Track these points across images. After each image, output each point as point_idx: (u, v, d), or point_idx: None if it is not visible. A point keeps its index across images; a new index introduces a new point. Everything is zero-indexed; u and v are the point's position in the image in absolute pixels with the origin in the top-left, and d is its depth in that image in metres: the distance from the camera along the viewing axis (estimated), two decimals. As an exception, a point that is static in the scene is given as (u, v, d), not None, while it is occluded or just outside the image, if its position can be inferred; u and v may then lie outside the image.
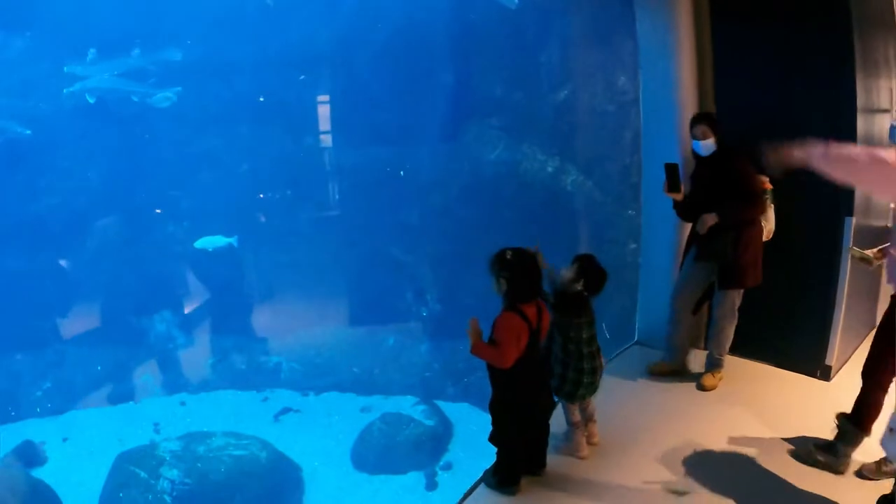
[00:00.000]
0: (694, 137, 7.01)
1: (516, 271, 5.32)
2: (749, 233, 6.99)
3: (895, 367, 5.32)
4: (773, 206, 7.12)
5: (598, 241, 13.36)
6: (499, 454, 5.79)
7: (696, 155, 7.15)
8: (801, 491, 5.60)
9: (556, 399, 6.07)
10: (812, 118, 6.82)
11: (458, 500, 5.90)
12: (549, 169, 14.55)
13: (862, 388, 5.61)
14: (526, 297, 5.40)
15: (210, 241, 14.72)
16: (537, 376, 5.65)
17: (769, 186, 7.02)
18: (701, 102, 7.90)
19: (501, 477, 5.81)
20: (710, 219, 6.94)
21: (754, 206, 6.95)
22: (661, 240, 8.27)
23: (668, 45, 7.70)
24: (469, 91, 15.32)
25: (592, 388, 6.11)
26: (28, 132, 14.35)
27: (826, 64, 7.03)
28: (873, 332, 5.59)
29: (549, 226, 14.14)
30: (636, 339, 8.72)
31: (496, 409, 5.63)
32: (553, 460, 6.08)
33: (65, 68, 14.62)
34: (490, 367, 5.49)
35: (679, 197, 7.21)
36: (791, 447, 6.17)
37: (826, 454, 5.81)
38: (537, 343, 5.53)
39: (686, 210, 7.33)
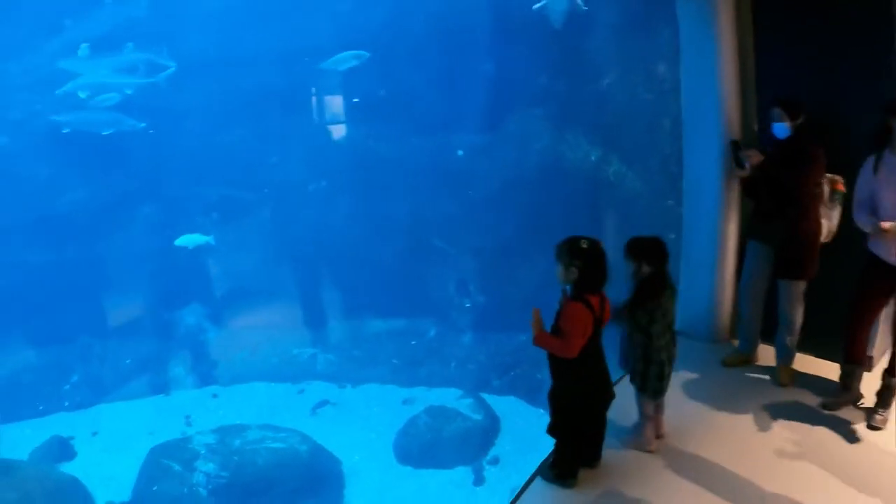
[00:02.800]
0: (771, 119, 6.80)
1: (591, 261, 5.10)
2: (802, 224, 6.75)
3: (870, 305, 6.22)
4: (839, 207, 6.81)
5: (637, 233, 12.76)
6: (557, 446, 5.55)
7: (774, 137, 6.90)
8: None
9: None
10: (856, 103, 6.61)
11: (515, 494, 5.63)
12: (592, 158, 14.24)
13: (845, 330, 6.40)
14: (595, 288, 5.17)
15: (190, 239, 14.45)
16: (598, 367, 5.37)
17: (842, 188, 6.74)
18: (743, 89, 7.66)
19: (560, 470, 5.55)
20: (754, 155, 6.84)
21: (800, 180, 6.64)
22: (702, 230, 7.98)
23: (709, 32, 7.41)
24: (512, 80, 15.03)
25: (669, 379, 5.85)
26: (143, 125, 14.29)
27: (870, 49, 6.73)
28: None
29: (592, 216, 13.85)
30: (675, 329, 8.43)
31: (556, 400, 5.39)
32: (614, 453, 5.83)
33: (59, 63, 14.41)
34: (552, 358, 5.26)
35: (742, 174, 7.05)
36: (835, 418, 6.34)
37: (839, 395, 6.46)
38: (600, 332, 5.29)
39: (748, 186, 7.19)
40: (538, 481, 5.61)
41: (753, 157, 6.78)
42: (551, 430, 5.43)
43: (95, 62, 14.45)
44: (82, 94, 14.16)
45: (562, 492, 5.45)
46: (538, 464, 5.76)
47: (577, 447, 5.49)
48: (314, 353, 14.87)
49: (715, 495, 5.31)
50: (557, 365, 5.23)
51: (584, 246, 5.05)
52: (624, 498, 5.34)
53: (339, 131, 16.39)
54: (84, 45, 14.43)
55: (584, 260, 5.04)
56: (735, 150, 6.99)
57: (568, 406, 5.32)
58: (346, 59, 14.44)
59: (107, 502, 11.27)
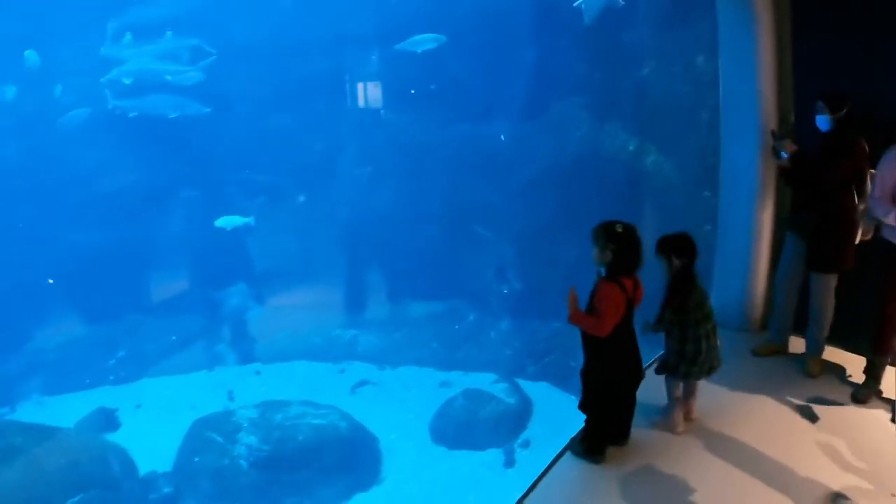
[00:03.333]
0: (814, 112, 6.71)
1: (625, 245, 5.24)
2: (835, 217, 6.68)
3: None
4: None
5: (673, 223, 12.77)
6: (587, 422, 5.69)
7: (818, 129, 6.81)
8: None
9: (646, 373, 5.85)
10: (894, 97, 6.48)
11: (544, 467, 5.75)
12: (630, 148, 14.29)
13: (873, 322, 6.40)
14: (629, 271, 5.33)
15: (229, 221, 14.68)
16: (629, 347, 5.51)
17: None
18: (781, 82, 7.58)
19: (588, 445, 5.69)
20: (789, 145, 6.79)
21: (835, 173, 6.55)
22: (737, 221, 7.96)
23: (748, 24, 7.36)
24: (553, 69, 15.06)
25: (708, 368, 5.89)
26: (207, 110, 14.68)
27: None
28: None
29: (629, 205, 13.77)
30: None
31: (588, 377, 5.54)
32: (643, 433, 5.92)
33: (102, 51, 14.86)
34: (585, 337, 5.42)
35: (780, 164, 7.01)
36: (861, 409, 6.36)
37: (869, 387, 6.45)
38: (632, 314, 5.43)
39: (788, 175, 7.08)
40: (567, 455, 5.73)
41: (788, 147, 6.75)
42: (582, 406, 5.58)
43: (138, 49, 14.81)
44: (126, 81, 14.49)
45: (589, 467, 5.56)
46: (568, 446, 5.88)
47: (606, 424, 5.62)
48: (356, 334, 15.05)
49: (740, 479, 5.40)
50: (590, 344, 5.38)
51: (619, 230, 5.19)
52: (650, 476, 5.45)
53: (383, 118, 16.57)
54: (128, 34, 14.77)
55: (618, 243, 5.18)
56: (773, 140, 6.98)
57: (599, 384, 5.46)
58: (425, 41, 14.50)
59: (149, 471, 11.54)
